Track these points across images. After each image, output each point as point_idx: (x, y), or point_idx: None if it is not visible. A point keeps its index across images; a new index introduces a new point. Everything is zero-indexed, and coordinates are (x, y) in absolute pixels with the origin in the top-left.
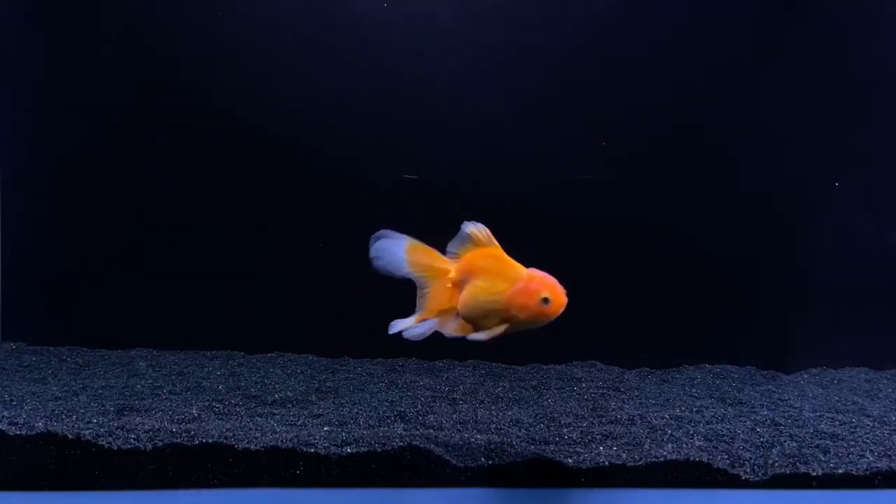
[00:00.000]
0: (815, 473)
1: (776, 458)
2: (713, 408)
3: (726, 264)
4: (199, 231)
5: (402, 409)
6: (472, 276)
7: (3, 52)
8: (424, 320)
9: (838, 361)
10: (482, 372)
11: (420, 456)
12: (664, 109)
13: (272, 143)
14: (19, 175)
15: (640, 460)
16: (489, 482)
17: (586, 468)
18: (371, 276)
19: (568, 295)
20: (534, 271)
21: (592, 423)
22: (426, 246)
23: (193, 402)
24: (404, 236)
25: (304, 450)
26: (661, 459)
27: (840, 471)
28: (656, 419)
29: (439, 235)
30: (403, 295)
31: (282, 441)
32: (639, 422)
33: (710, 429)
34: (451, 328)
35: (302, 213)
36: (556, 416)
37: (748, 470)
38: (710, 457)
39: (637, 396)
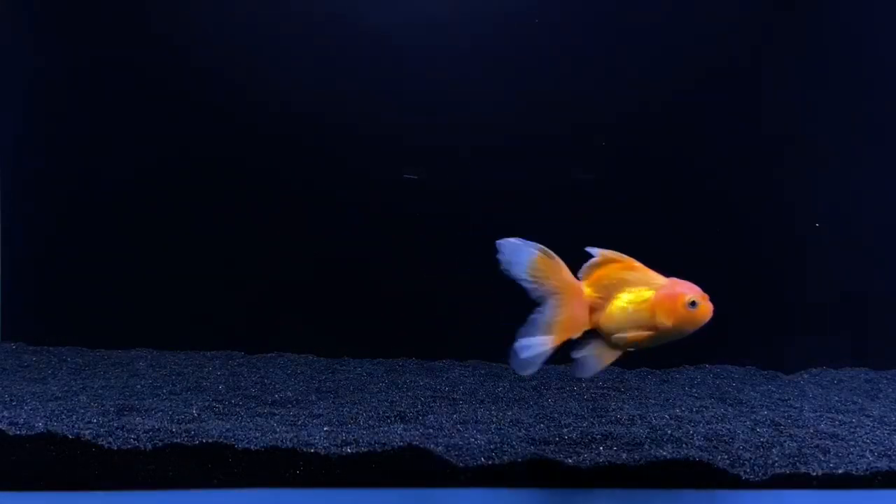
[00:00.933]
0: (815, 473)
1: (776, 458)
2: (713, 408)
3: (726, 264)
4: (199, 231)
5: (402, 409)
6: (613, 291)
7: (3, 52)
8: (542, 345)
9: (838, 361)
10: (482, 372)
11: (420, 456)
12: (663, 109)
13: (272, 143)
14: (19, 175)
15: (640, 460)
16: (489, 482)
17: (586, 468)
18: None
19: None
20: (674, 279)
21: (592, 423)
22: (557, 259)
23: (193, 402)
24: (535, 245)
25: (304, 450)
26: (661, 459)
27: (840, 471)
28: (656, 419)
29: (442, 236)
30: (404, 296)
31: (282, 441)
32: (639, 422)
33: (710, 429)
34: (593, 361)
35: (302, 212)
36: (556, 416)
37: (748, 470)
38: (710, 457)
39: (637, 396)
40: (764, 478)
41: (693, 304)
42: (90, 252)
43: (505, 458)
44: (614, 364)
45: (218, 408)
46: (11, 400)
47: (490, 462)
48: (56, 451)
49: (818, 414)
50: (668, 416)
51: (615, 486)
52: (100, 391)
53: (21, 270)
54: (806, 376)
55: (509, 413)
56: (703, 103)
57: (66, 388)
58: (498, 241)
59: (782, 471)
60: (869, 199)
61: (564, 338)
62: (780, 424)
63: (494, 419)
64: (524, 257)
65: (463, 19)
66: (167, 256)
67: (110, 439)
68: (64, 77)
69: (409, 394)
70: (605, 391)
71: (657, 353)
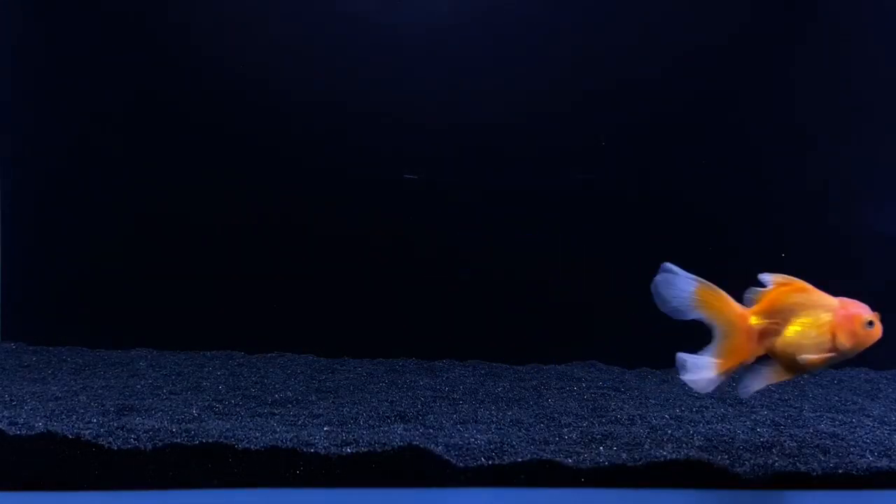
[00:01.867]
0: (815, 473)
1: (776, 458)
2: (713, 408)
3: (726, 264)
4: (199, 231)
5: (402, 409)
6: (787, 315)
7: (3, 52)
8: (709, 370)
9: None
10: (482, 372)
11: (420, 456)
12: (666, 110)
13: (272, 143)
14: (20, 175)
15: (640, 460)
16: (489, 482)
17: (586, 468)
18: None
19: (570, 295)
20: (844, 299)
21: (592, 423)
22: (719, 290)
23: (193, 402)
24: (694, 277)
25: (304, 450)
26: (661, 459)
27: (840, 471)
28: (656, 419)
29: (442, 236)
30: (405, 296)
31: (282, 441)
32: (639, 422)
33: (710, 429)
34: (766, 378)
35: (302, 212)
36: (556, 416)
37: (748, 470)
38: (710, 457)
39: (637, 396)
40: (764, 478)
41: (871, 324)
42: (90, 252)
43: (505, 458)
44: (614, 364)
45: (218, 408)
46: (11, 400)
47: (490, 462)
48: (56, 451)
49: (818, 414)
50: (668, 416)
51: (615, 486)
52: (100, 391)
53: (21, 270)
54: (806, 376)
55: (509, 413)
56: (705, 103)
57: (66, 388)
58: (655, 279)
59: (782, 471)
60: (870, 197)
61: (732, 365)
62: (780, 424)
63: (494, 419)
64: (684, 291)
65: (465, 20)
66: (167, 256)
67: (110, 439)
68: (64, 77)
69: (409, 394)
70: (605, 391)
71: (657, 352)
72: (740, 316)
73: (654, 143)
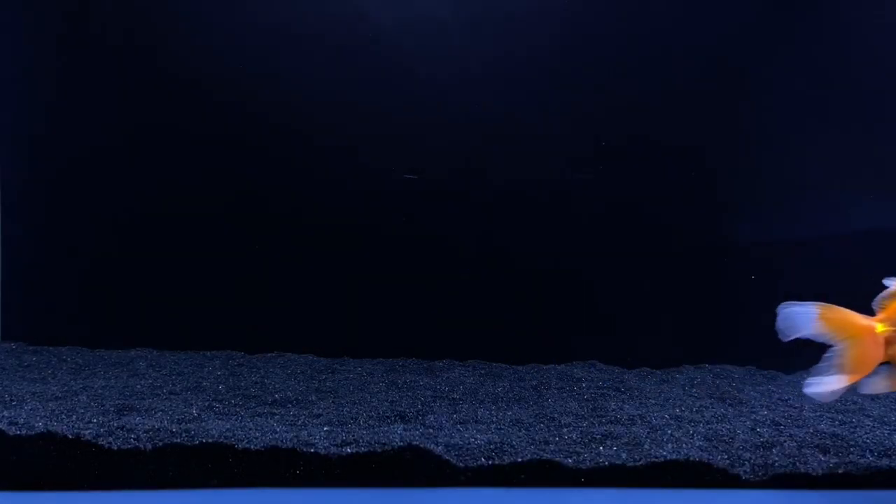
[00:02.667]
0: (815, 473)
1: (776, 458)
2: (713, 408)
3: (726, 264)
4: (199, 231)
5: (402, 409)
6: None
7: (3, 52)
8: (836, 385)
9: None
10: (482, 372)
11: (420, 456)
12: (666, 111)
13: (272, 144)
14: (20, 175)
15: (640, 460)
16: (489, 482)
17: (586, 468)
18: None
19: (570, 295)
20: None
21: (592, 423)
22: (837, 307)
23: (193, 402)
24: (812, 304)
25: (304, 450)
26: (661, 459)
27: (840, 471)
28: (656, 419)
29: (443, 236)
30: (404, 296)
31: (282, 441)
32: (639, 422)
33: (710, 429)
34: (883, 385)
35: (302, 213)
36: (556, 416)
37: (748, 470)
38: (710, 457)
39: (637, 396)
40: (764, 478)
41: None
42: (90, 252)
43: (505, 458)
44: (614, 364)
45: (218, 408)
46: (11, 400)
47: (490, 462)
48: (56, 451)
49: (818, 414)
50: (668, 416)
51: (615, 486)
52: (100, 391)
53: (21, 270)
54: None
55: (509, 413)
56: (705, 105)
57: (66, 388)
58: (778, 318)
59: (782, 471)
60: (869, 198)
61: (858, 377)
62: (780, 424)
63: (494, 419)
64: (806, 321)
65: (465, 19)
66: (167, 256)
67: (110, 439)
68: (65, 78)
69: (409, 394)
70: (605, 391)
71: (657, 352)
72: (865, 327)
73: (654, 143)
